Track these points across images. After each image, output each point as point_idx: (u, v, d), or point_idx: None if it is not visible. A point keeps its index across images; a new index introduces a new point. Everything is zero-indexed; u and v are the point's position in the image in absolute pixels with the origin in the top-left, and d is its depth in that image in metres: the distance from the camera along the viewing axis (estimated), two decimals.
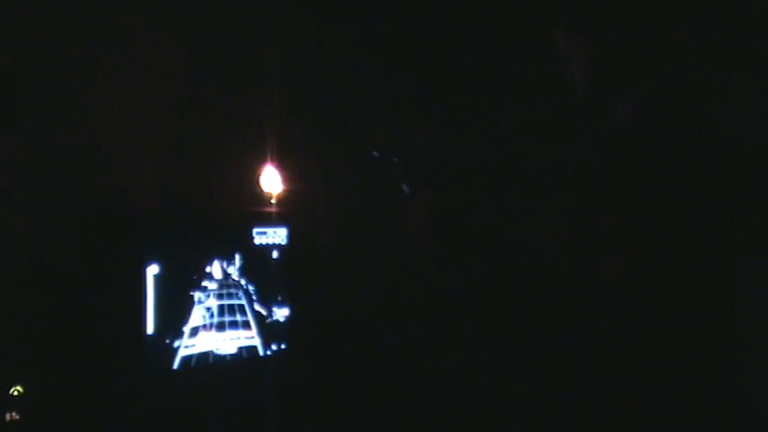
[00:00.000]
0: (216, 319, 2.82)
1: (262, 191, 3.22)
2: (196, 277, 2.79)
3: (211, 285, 2.84)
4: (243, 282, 2.96)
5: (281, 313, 3.07)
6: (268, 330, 3.02)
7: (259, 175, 3.23)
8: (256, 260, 3.01)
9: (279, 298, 3.07)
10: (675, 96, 1.52)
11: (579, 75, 1.59)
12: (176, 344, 2.68)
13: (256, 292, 2.99)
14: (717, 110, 1.60)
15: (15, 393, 2.40)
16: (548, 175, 3.45)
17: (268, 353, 3.01)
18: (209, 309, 2.80)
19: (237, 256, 2.97)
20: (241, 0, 3.31)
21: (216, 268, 2.86)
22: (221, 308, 2.84)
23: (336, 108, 3.50)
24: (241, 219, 3.02)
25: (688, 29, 1.76)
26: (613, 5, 1.54)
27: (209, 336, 2.81)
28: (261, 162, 3.26)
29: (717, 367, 1.50)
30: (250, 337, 2.96)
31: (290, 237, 3.09)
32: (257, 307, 2.99)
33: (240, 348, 2.92)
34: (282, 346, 3.08)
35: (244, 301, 2.94)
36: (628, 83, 1.55)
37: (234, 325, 2.89)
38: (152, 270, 2.59)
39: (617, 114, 1.58)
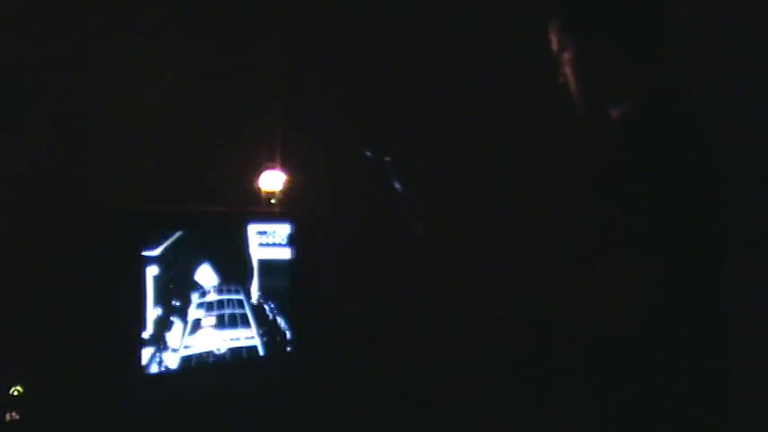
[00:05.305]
0: (215, 319, 2.83)
1: (262, 190, 3.22)
2: (195, 277, 2.79)
3: (211, 284, 2.84)
4: (242, 281, 2.96)
5: (280, 313, 3.07)
6: (268, 330, 3.02)
7: (259, 174, 3.24)
8: (256, 259, 3.01)
9: (279, 297, 3.07)
10: (671, 96, 1.52)
11: (574, 75, 1.59)
12: (175, 344, 2.68)
13: (256, 291, 3.00)
14: (714, 110, 1.61)
15: (15, 393, 2.41)
16: (543, 174, 3.45)
17: (268, 353, 3.01)
18: (208, 308, 2.81)
19: (237, 256, 2.97)
20: (242, 1, 3.32)
21: (216, 268, 2.86)
22: (221, 307, 2.85)
23: (336, 108, 3.50)
24: (241, 218, 3.02)
25: (685, 29, 1.75)
26: (609, 6, 1.54)
27: (209, 336, 2.81)
28: (261, 161, 3.27)
29: (715, 367, 1.51)
30: (250, 337, 2.96)
31: (290, 236, 3.09)
32: (257, 306, 2.99)
33: (240, 348, 2.92)
34: (282, 347, 3.08)
35: (244, 301, 2.94)
36: (623, 83, 1.55)
37: (233, 325, 2.89)
38: (151, 270, 2.59)
39: (613, 115, 1.58)
